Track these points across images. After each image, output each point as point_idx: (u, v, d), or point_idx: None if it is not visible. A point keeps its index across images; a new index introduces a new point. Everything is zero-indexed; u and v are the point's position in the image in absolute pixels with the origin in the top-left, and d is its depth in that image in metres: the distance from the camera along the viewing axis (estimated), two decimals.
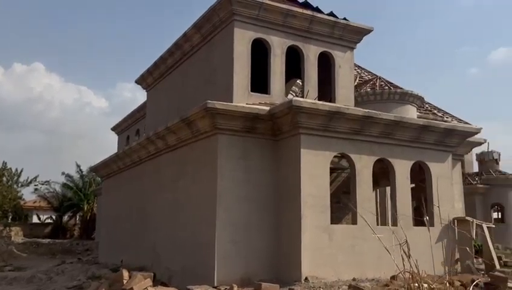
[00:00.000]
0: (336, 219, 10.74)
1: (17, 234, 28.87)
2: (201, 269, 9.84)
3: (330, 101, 13.20)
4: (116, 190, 16.82)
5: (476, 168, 23.98)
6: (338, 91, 13.43)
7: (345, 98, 13.36)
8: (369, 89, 19.82)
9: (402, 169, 10.64)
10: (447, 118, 24.36)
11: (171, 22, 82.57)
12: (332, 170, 12.24)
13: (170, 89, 15.98)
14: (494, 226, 12.11)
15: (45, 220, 37.32)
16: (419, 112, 21.34)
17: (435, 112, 24.44)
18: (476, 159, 23.93)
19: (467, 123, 25.21)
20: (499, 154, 23.38)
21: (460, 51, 79.46)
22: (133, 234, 14.23)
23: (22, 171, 34.19)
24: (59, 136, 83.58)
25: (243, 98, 11.65)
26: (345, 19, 13.77)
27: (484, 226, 11.38)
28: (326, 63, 13.64)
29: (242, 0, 11.65)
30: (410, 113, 19.08)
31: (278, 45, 12.74)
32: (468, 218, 11.22)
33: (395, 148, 10.66)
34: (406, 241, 4.96)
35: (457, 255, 10.91)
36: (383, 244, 5.19)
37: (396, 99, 18.93)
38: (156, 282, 10.60)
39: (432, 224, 10.62)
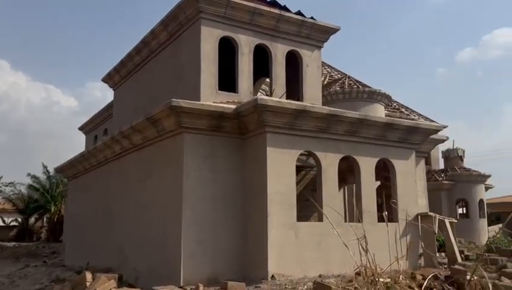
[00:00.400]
0: (304, 216, 10.81)
1: None
2: (167, 269, 9.76)
3: (298, 100, 13.29)
4: (82, 191, 16.47)
5: (442, 165, 24.57)
6: (306, 90, 13.54)
7: (312, 97, 13.48)
8: (338, 88, 20.07)
9: (367, 166, 10.81)
10: (414, 116, 24.94)
11: (145, 18, 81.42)
12: (300, 168, 12.34)
13: (137, 87, 15.76)
14: (456, 221, 12.43)
15: (10, 222, 36.14)
16: (387, 110, 21.75)
17: (403, 110, 24.97)
18: (442, 156, 24.54)
19: (432, 121, 25.88)
20: (463, 151, 24.04)
21: (430, 51, 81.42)
22: (99, 235, 13.97)
23: None
24: (26, 137, 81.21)
25: (211, 97, 11.60)
26: (312, 18, 13.88)
27: (446, 221, 11.70)
28: (294, 62, 13.73)
29: None
30: (378, 111, 19.40)
31: (246, 44, 12.73)
32: (430, 213, 11.52)
33: (360, 146, 10.82)
34: (365, 236, 5.02)
35: (420, 250, 11.16)
36: (343, 240, 5.23)
37: (365, 98, 19.22)
38: (122, 283, 10.45)
39: (396, 220, 10.87)
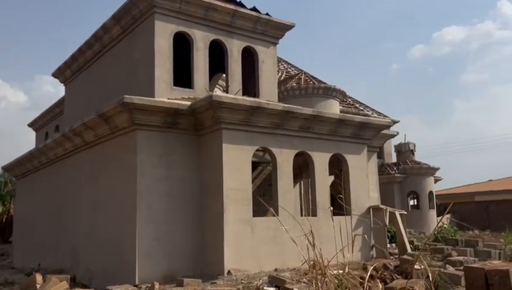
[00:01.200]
0: (262, 211, 10.94)
1: None
2: (122, 269, 9.61)
3: (254, 96, 13.38)
4: (32, 190, 15.89)
5: (394, 159, 25.44)
6: (262, 86, 13.63)
7: (268, 93, 13.59)
8: (294, 84, 20.36)
9: (321, 161, 11.07)
10: (367, 111, 25.67)
11: (103, 7, 78.82)
12: (257, 164, 12.47)
13: (90, 82, 15.32)
14: (405, 213, 12.96)
15: None
16: (342, 106, 22.25)
17: (357, 105, 25.63)
18: (394, 151, 25.42)
19: (385, 116, 26.75)
20: (414, 145, 25.02)
21: (384, 48, 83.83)
22: (50, 235, 13.54)
23: None
24: None
25: (166, 93, 11.44)
26: (267, 14, 13.96)
27: (397, 213, 12.18)
28: (250, 58, 13.78)
29: None
30: (333, 107, 19.82)
31: (201, 39, 12.64)
32: (382, 206, 11.96)
33: (314, 142, 11.05)
34: (311, 231, 5.17)
35: (372, 242, 11.57)
36: (291, 236, 5.36)
37: (320, 93, 19.57)
38: (75, 284, 10.22)
39: (348, 213, 11.20)
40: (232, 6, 13.02)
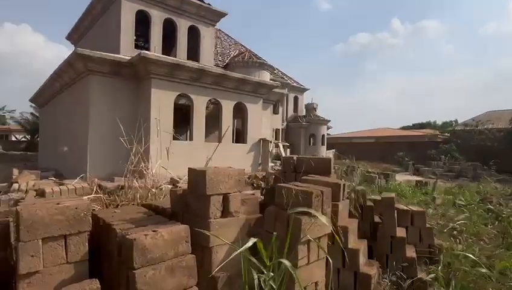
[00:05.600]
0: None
1: None
2: (81, 169, 8.95)
3: (198, 61, 12.28)
4: (46, 116, 14.62)
5: (304, 113, 24.98)
6: (202, 54, 12.49)
7: (206, 59, 12.50)
8: (240, 58, 19.15)
9: (227, 106, 10.37)
10: (288, 79, 24.60)
11: None
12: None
13: (89, 43, 13.62)
14: (288, 144, 12.61)
15: (21, 138, 32.47)
16: (272, 75, 21.19)
17: (283, 76, 24.55)
18: (304, 107, 24.88)
19: (301, 85, 25.74)
20: (317, 105, 24.50)
21: (316, 42, 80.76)
22: (53, 147, 12.60)
23: None
24: None
25: (128, 52, 10.26)
26: (209, 4, 12.51)
27: (280, 144, 11.80)
28: (195, 34, 12.47)
29: None
30: (264, 75, 18.78)
31: (157, 17, 11.25)
32: (267, 138, 11.51)
33: (223, 93, 10.27)
34: (210, 159, 4.53)
35: (260, 161, 11.25)
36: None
37: (256, 66, 18.35)
38: (59, 177, 9.53)
39: (245, 142, 10.75)
40: None
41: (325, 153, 24.05)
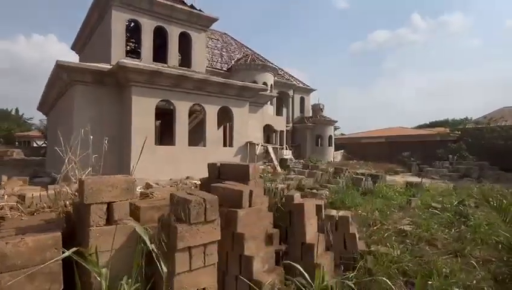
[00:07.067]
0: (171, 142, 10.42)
1: (18, 154, 26.37)
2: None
3: (189, 66, 12.44)
4: (50, 122, 15.42)
5: (311, 114, 24.56)
6: (193, 59, 12.64)
7: (198, 64, 12.64)
8: (243, 61, 19.33)
9: (211, 111, 10.40)
10: (293, 81, 24.32)
11: None
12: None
13: (90, 53, 14.30)
14: (277, 146, 12.44)
15: (42, 144, 34.54)
16: (276, 77, 21.09)
17: (288, 77, 24.30)
18: (311, 108, 24.43)
19: (307, 86, 25.34)
20: (323, 105, 23.97)
21: (333, 42, 79.00)
22: (55, 152, 13.26)
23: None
24: None
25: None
26: (200, 10, 12.66)
27: (269, 147, 11.66)
28: (186, 40, 12.66)
29: None
30: (267, 77, 18.76)
31: (148, 25, 11.55)
32: (254, 141, 11.40)
33: (207, 98, 10.32)
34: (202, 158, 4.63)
35: (247, 162, 11.16)
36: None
37: (259, 68, 18.45)
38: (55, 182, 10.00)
39: (231, 145, 10.73)
40: (169, 2, 11.78)
41: (333, 154, 23.44)
